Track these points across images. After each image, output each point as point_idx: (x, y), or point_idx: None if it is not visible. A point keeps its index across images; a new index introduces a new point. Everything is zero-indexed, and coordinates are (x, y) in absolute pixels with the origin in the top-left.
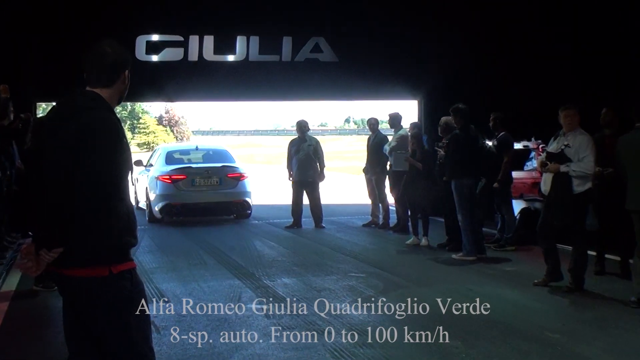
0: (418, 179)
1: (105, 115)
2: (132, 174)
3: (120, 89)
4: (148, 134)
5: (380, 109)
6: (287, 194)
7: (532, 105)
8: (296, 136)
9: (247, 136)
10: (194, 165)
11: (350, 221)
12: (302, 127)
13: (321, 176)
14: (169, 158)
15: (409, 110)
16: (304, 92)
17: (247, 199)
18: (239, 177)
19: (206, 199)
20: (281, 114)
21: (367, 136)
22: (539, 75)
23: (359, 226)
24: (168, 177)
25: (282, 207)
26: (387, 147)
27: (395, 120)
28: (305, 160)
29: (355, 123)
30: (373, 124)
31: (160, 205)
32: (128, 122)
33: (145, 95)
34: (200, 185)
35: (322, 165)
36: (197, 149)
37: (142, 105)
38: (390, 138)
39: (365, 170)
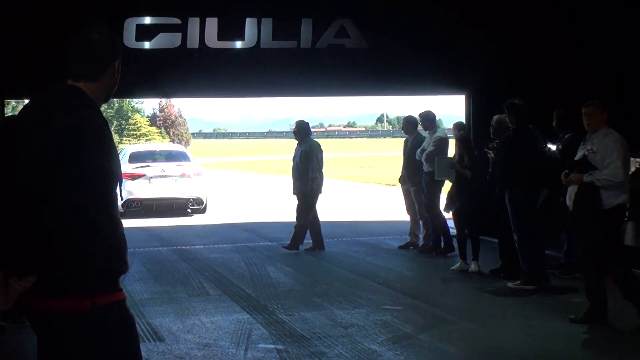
0: (465, 190)
1: (90, 115)
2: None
3: (109, 83)
4: (139, 136)
5: (419, 105)
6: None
7: (608, 100)
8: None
9: (259, 139)
10: (152, 164)
11: (384, 242)
12: (299, 129)
13: (307, 188)
14: (132, 157)
15: (454, 107)
16: (327, 86)
17: (200, 196)
18: (194, 175)
19: (162, 195)
20: (300, 111)
21: (404, 139)
22: (617, 64)
23: (394, 248)
24: (128, 175)
25: None
26: (419, 153)
27: (427, 120)
28: (293, 170)
29: (390, 123)
30: (411, 122)
31: (120, 201)
32: (115, 122)
33: (136, 91)
34: (157, 182)
35: (310, 175)
36: (158, 150)
37: (131, 103)
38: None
39: (402, 180)
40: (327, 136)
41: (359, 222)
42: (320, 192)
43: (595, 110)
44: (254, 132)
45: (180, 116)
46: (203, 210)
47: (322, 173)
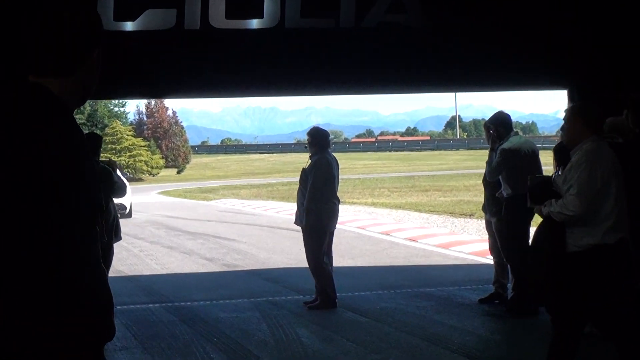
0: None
1: (58, 124)
2: (102, 218)
3: (86, 80)
4: (119, 151)
5: (502, 104)
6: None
7: None
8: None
9: (284, 153)
10: None
11: (458, 294)
12: (314, 139)
13: (305, 219)
14: None
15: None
16: (376, 79)
17: (124, 202)
18: None
19: None
20: (339, 116)
21: (487, 151)
22: None
23: (473, 302)
24: None
25: (349, 271)
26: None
27: (499, 124)
28: (298, 193)
29: (464, 129)
30: (497, 126)
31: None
32: (87, 131)
33: (115, 89)
34: None
35: (306, 204)
36: None
37: (108, 106)
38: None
39: (484, 209)
40: (378, 148)
41: (424, 267)
42: (332, 225)
43: (570, 117)
44: (277, 144)
45: (176, 123)
46: (128, 215)
47: (334, 200)
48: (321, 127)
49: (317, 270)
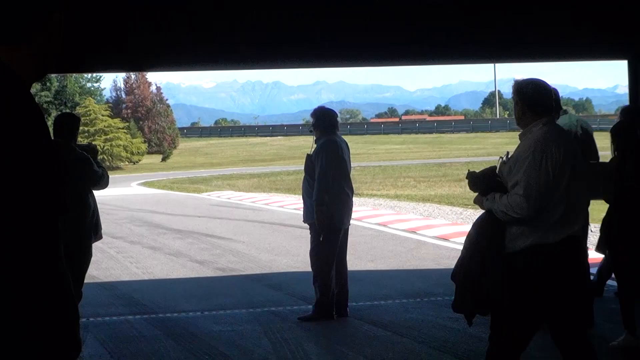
0: (630, 216)
1: (15, 102)
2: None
3: (44, 48)
4: (93, 134)
5: (550, 77)
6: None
7: None
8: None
9: (291, 136)
10: None
11: None
12: (318, 120)
13: (314, 215)
14: None
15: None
16: (401, 47)
17: None
18: None
19: None
20: (355, 91)
21: None
22: None
23: None
24: None
25: (367, 276)
26: None
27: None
28: (303, 185)
29: (505, 107)
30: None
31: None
32: (54, 112)
33: (87, 60)
34: None
35: (315, 197)
36: None
37: (80, 80)
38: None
39: None
40: (403, 130)
41: None
42: (345, 221)
43: (515, 95)
44: (282, 126)
45: (161, 101)
46: None
47: (346, 190)
48: (330, 106)
49: (322, 275)
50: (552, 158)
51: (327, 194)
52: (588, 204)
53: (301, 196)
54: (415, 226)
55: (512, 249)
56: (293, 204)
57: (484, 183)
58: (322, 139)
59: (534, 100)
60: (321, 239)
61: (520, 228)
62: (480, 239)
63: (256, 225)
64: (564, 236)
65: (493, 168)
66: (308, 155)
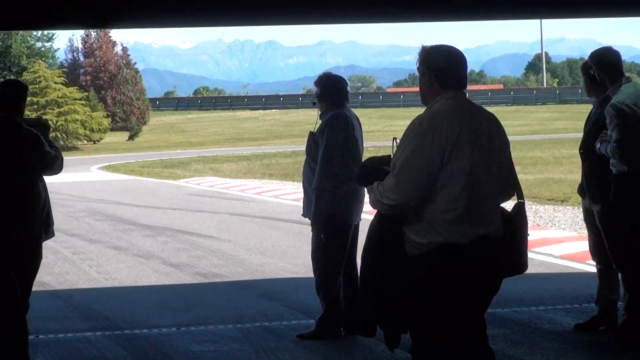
0: None
1: None
2: (9, 209)
3: None
4: (44, 106)
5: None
6: None
7: None
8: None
9: (288, 109)
10: None
11: (544, 317)
12: (324, 90)
13: (315, 206)
14: None
15: None
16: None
17: None
18: None
19: None
20: (368, 52)
21: (590, 107)
22: None
23: (566, 329)
24: None
25: None
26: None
27: (608, 66)
28: (304, 169)
29: (554, 74)
30: (600, 68)
31: None
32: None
33: (40, 15)
34: None
35: (318, 184)
36: None
37: (28, 40)
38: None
39: (583, 191)
40: None
41: None
42: (356, 216)
43: (420, 65)
44: (277, 96)
45: (128, 65)
46: None
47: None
48: (338, 72)
49: (327, 282)
50: (442, 137)
51: (332, 180)
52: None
53: (301, 184)
54: None
55: (410, 251)
56: (291, 194)
57: (371, 173)
58: (329, 113)
59: (446, 72)
60: (322, 237)
61: (418, 226)
62: (370, 244)
63: (245, 221)
64: (475, 236)
65: (387, 156)
66: (311, 133)
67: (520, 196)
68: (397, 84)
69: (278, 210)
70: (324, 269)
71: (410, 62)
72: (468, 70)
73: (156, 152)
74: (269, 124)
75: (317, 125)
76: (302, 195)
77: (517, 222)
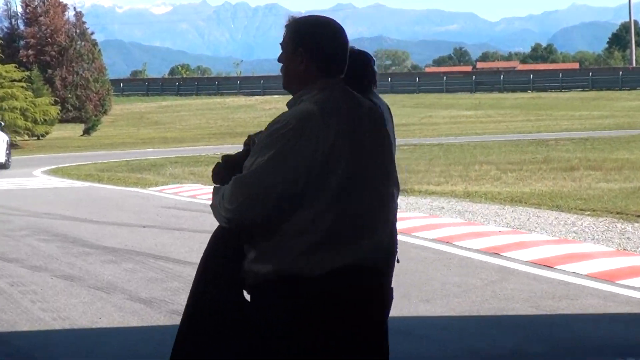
0: None
1: None
2: None
3: None
4: None
5: None
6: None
7: None
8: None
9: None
10: None
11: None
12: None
13: None
14: None
15: None
16: None
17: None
18: None
19: None
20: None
21: None
22: None
23: None
24: None
25: (419, 325)
26: None
27: None
28: None
29: None
30: None
31: None
32: None
33: None
34: None
35: None
36: None
37: None
38: None
39: None
40: (479, 86)
41: (566, 317)
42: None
43: (285, 44)
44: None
45: (83, 36)
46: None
47: (391, 186)
48: (360, 45)
49: None
50: (312, 143)
51: None
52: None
53: None
54: (498, 244)
55: (250, 281)
56: None
57: (222, 171)
58: None
59: (331, 54)
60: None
61: (262, 249)
62: (202, 269)
63: None
64: (335, 265)
65: (246, 150)
66: None
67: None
68: (439, 61)
69: None
70: None
71: (456, 33)
72: (533, 44)
73: (120, 150)
74: (269, 114)
75: None
76: None
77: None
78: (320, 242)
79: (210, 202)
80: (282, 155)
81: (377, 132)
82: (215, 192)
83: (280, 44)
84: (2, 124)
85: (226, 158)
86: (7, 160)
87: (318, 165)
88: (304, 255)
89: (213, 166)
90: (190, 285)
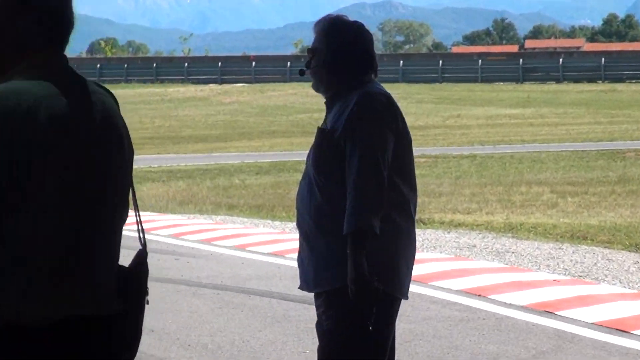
0: None
1: None
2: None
3: None
4: None
5: None
6: None
7: None
8: None
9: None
10: None
11: None
12: (324, 45)
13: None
14: None
15: None
16: None
17: None
18: None
19: None
20: None
21: None
22: None
23: None
24: None
25: None
26: None
27: None
28: (300, 191)
29: None
30: None
31: None
32: None
33: None
34: None
35: (351, 214)
36: None
37: None
38: None
39: None
40: (527, 74)
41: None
42: (406, 282)
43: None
44: (247, 58)
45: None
46: None
47: (412, 195)
48: (357, 15)
49: None
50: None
51: (379, 214)
52: None
53: (293, 223)
54: (552, 298)
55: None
56: (268, 243)
57: None
58: (350, 94)
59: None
60: (369, 322)
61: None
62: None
63: (183, 293)
64: (59, 317)
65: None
66: (321, 131)
67: (140, 237)
68: (472, 38)
69: (244, 273)
70: None
71: (494, 4)
72: (606, 15)
73: None
74: (228, 109)
75: (329, 116)
76: (292, 243)
77: (137, 281)
78: (36, 283)
79: None
80: None
81: (110, 130)
82: None
83: None
84: None
85: None
86: None
87: (16, 165)
88: (21, 300)
89: None
90: None
